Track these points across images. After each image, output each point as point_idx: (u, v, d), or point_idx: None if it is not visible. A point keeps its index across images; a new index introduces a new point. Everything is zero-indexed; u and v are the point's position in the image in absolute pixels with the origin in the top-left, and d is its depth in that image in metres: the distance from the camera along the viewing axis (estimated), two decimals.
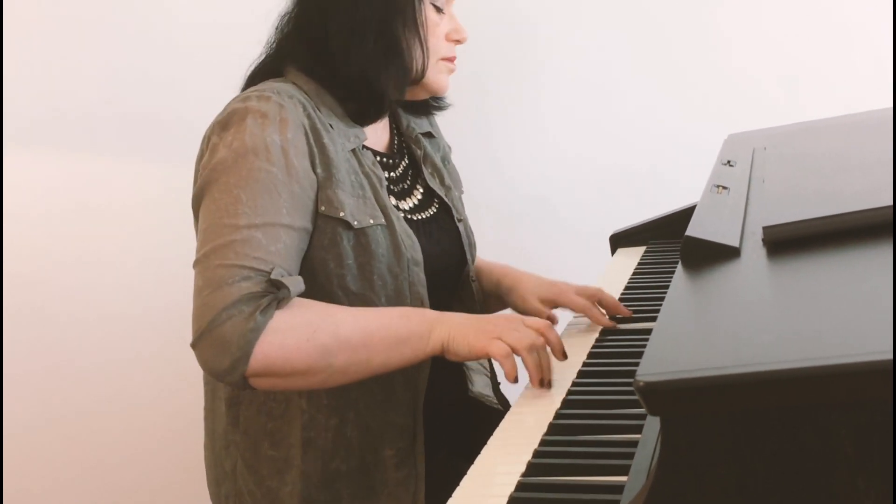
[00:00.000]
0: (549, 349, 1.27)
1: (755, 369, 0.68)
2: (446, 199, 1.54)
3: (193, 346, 1.22)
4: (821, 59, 2.25)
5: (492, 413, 1.57)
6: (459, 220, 1.54)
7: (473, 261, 1.57)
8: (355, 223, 1.32)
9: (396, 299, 1.36)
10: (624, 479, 0.92)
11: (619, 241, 1.87)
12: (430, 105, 1.58)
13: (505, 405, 1.62)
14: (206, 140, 1.35)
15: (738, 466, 0.68)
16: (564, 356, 1.27)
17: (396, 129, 1.56)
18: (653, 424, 0.96)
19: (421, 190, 1.52)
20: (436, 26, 1.43)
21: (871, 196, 1.03)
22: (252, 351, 1.18)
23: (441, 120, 1.54)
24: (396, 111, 1.56)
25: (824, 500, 0.67)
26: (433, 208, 1.52)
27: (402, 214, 1.43)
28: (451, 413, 1.50)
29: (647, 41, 2.32)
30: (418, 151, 1.55)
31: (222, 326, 1.18)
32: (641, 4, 2.31)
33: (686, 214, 1.72)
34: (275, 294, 1.21)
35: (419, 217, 1.48)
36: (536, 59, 2.37)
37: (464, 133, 2.40)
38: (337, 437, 1.35)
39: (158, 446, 2.33)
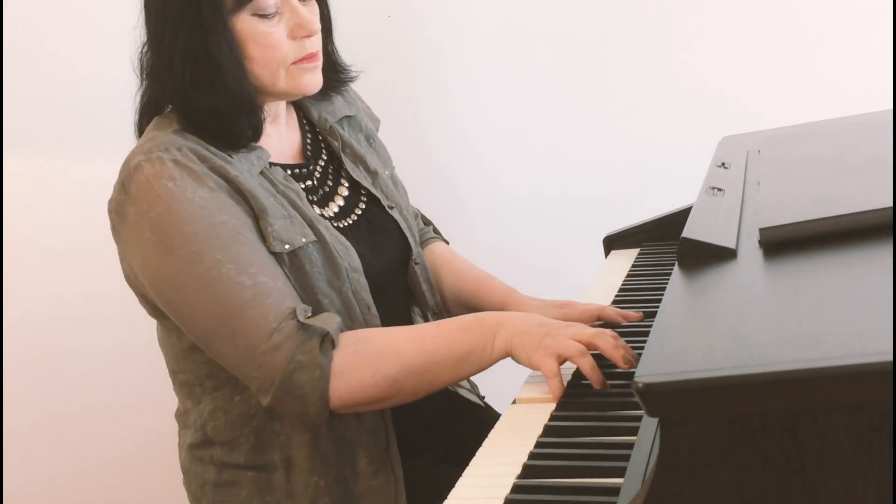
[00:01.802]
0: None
1: (754, 371, 0.68)
2: (373, 190, 1.48)
3: (273, 404, 1.25)
4: (813, 62, 2.25)
5: (466, 404, 1.57)
6: (391, 208, 1.49)
7: (417, 243, 1.53)
8: (286, 248, 1.30)
9: (346, 311, 1.34)
10: (620, 481, 0.92)
11: (613, 243, 1.87)
12: (336, 81, 1.49)
13: (477, 393, 1.61)
14: (117, 212, 1.29)
15: (737, 468, 0.68)
16: (629, 363, 1.19)
17: (308, 124, 1.50)
18: (649, 426, 0.96)
19: (346, 185, 1.47)
20: (267, 36, 1.30)
21: (865, 198, 1.03)
22: (328, 397, 1.24)
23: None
24: (303, 104, 1.48)
25: (823, 502, 0.67)
26: (360, 206, 1.47)
27: (330, 222, 1.39)
28: (426, 410, 1.48)
29: (640, 41, 2.32)
30: (335, 143, 1.48)
31: (292, 381, 1.23)
32: (641, 3, 2.31)
33: (680, 216, 1.72)
34: (320, 333, 1.24)
35: (346, 223, 1.43)
36: (528, 58, 2.37)
37: (454, 132, 2.40)
38: (312, 451, 1.35)
39: (160, 446, 2.32)
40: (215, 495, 1.39)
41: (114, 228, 1.32)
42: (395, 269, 1.50)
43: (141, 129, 1.41)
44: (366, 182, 1.48)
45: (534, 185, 2.39)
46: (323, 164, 1.48)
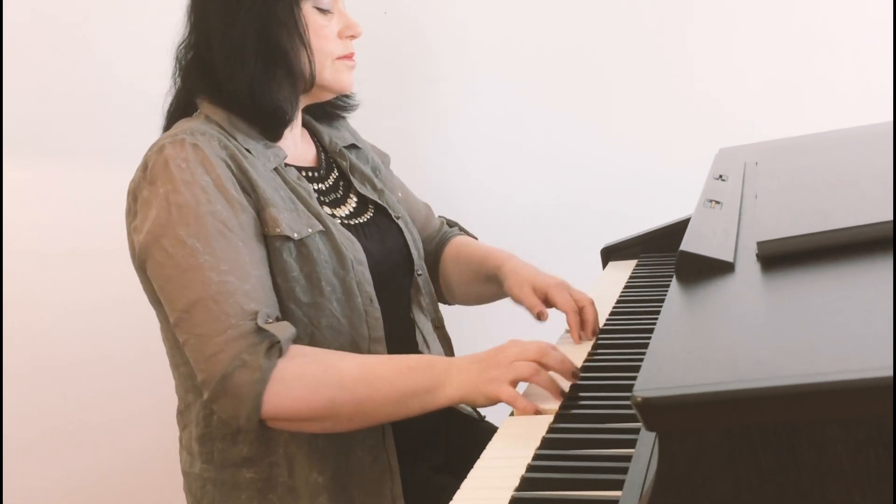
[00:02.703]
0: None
1: (753, 385, 0.68)
2: (380, 202, 1.55)
3: (210, 401, 1.28)
4: (811, 72, 2.26)
5: (464, 419, 1.58)
6: (398, 218, 1.56)
7: (420, 256, 1.58)
8: (295, 235, 1.35)
9: (348, 301, 1.38)
10: (618, 494, 0.92)
11: (611, 254, 1.88)
12: (337, 107, 1.61)
13: (476, 410, 1.62)
14: (133, 194, 1.37)
15: (736, 482, 0.68)
16: (574, 376, 1.23)
17: (321, 145, 1.58)
18: (646, 439, 0.96)
19: (355, 199, 1.54)
20: (323, 28, 1.43)
21: (863, 211, 1.03)
22: (262, 401, 1.24)
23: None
24: (316, 129, 1.59)
25: None
26: (369, 213, 1.53)
27: (339, 221, 1.46)
28: (424, 419, 1.49)
29: (637, 51, 2.33)
30: (344, 163, 1.57)
31: (231, 379, 1.25)
32: (639, 14, 2.32)
33: (677, 228, 1.73)
34: (269, 337, 1.26)
35: (356, 222, 1.50)
36: (525, 67, 2.37)
37: (451, 142, 2.41)
38: (311, 447, 1.36)
39: (162, 459, 2.31)
40: (216, 495, 1.40)
41: (128, 211, 1.39)
42: (399, 274, 1.53)
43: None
44: (373, 196, 1.55)
45: (531, 195, 2.39)
46: (334, 178, 1.55)
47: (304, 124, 1.56)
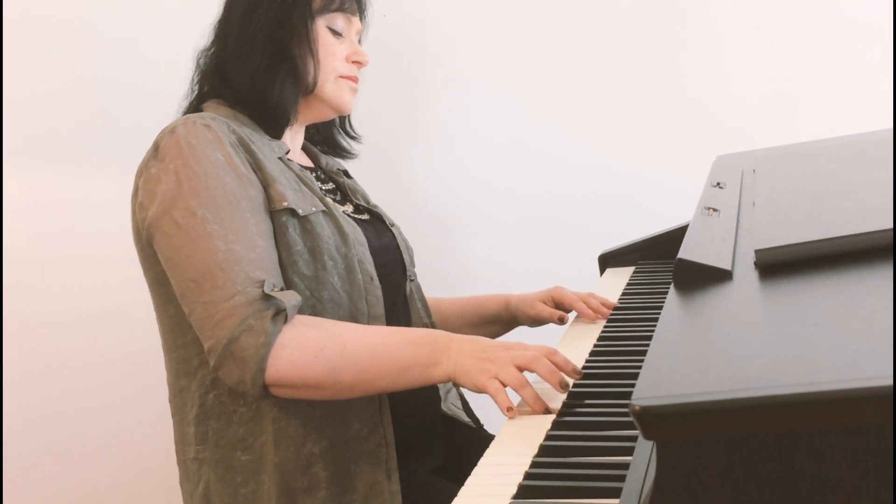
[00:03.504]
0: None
1: (751, 394, 0.68)
2: (376, 210, 1.63)
3: (216, 369, 1.30)
4: (808, 81, 2.27)
5: (461, 427, 1.58)
6: (392, 225, 1.63)
7: (413, 263, 1.63)
8: (300, 210, 1.39)
9: (348, 276, 1.42)
10: (615, 502, 0.92)
11: (608, 261, 1.88)
12: (341, 150, 1.71)
13: (473, 419, 1.63)
14: (141, 172, 1.41)
15: (734, 491, 0.68)
16: (577, 373, 1.25)
17: (317, 165, 1.65)
18: (644, 447, 0.96)
19: (352, 207, 1.60)
20: (332, 46, 1.53)
21: (861, 219, 1.03)
22: (266, 364, 1.27)
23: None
24: (313, 151, 1.66)
25: None
26: (366, 216, 1.60)
27: (341, 211, 1.51)
28: (423, 420, 1.53)
29: (634, 60, 2.33)
30: (340, 180, 1.64)
31: (237, 343, 1.27)
32: (634, 23, 2.32)
33: (675, 235, 1.73)
34: (276, 304, 1.29)
35: (355, 217, 1.55)
36: (523, 78, 2.37)
37: (449, 151, 2.41)
38: (306, 420, 1.37)
39: (160, 467, 2.31)
40: (211, 476, 1.40)
41: (134, 193, 1.43)
42: (395, 270, 1.57)
43: None
44: (368, 205, 1.62)
45: (529, 202, 2.39)
46: (332, 187, 1.62)
47: (303, 147, 1.64)
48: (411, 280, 1.61)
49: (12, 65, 2.26)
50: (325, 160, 1.66)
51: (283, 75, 1.48)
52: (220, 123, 1.41)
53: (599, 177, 2.36)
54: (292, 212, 1.39)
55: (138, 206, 1.40)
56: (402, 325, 1.55)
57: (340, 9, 1.53)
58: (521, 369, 1.23)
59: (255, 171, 1.40)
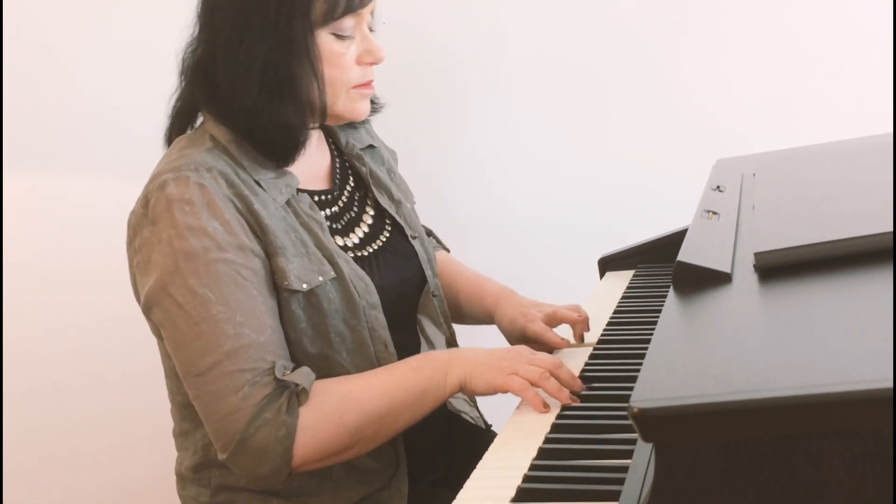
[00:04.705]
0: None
1: (750, 397, 0.68)
2: (398, 218, 1.50)
3: (228, 460, 1.23)
4: (807, 85, 2.27)
5: (470, 429, 1.57)
6: (414, 238, 1.50)
7: (435, 275, 1.54)
8: (304, 286, 1.29)
9: (358, 350, 1.34)
10: None
11: (608, 264, 1.87)
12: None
13: (483, 419, 1.62)
14: (134, 229, 1.29)
15: (732, 494, 0.68)
16: (580, 389, 1.24)
17: (336, 149, 1.51)
18: (643, 450, 0.96)
19: (371, 213, 1.49)
20: (340, 56, 1.32)
21: (860, 223, 1.03)
22: (292, 455, 1.21)
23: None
24: (332, 130, 1.50)
25: None
26: (385, 234, 1.48)
27: (351, 255, 1.39)
28: (434, 431, 1.50)
29: (634, 64, 2.33)
30: (363, 169, 1.50)
31: (254, 438, 1.20)
32: (634, 27, 2.32)
33: (674, 238, 1.73)
34: (291, 389, 1.22)
35: (369, 251, 1.43)
36: (523, 80, 2.37)
37: (449, 153, 2.41)
38: (322, 480, 1.34)
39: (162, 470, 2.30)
40: None
41: (129, 243, 1.32)
42: (410, 299, 1.50)
43: (170, 138, 1.41)
44: (391, 209, 1.50)
45: (529, 206, 2.39)
46: (350, 189, 1.48)
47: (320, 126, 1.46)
48: (434, 295, 1.51)
49: (11, 70, 2.26)
50: (346, 138, 1.50)
51: (288, 110, 1.30)
52: (215, 178, 1.26)
53: (599, 180, 2.36)
54: (294, 290, 1.28)
55: (136, 267, 1.30)
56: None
57: (348, 12, 1.31)
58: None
59: (257, 237, 1.27)
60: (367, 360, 1.35)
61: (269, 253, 1.28)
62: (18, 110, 2.27)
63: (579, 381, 1.25)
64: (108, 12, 2.29)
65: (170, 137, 1.41)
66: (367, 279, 1.36)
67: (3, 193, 2.27)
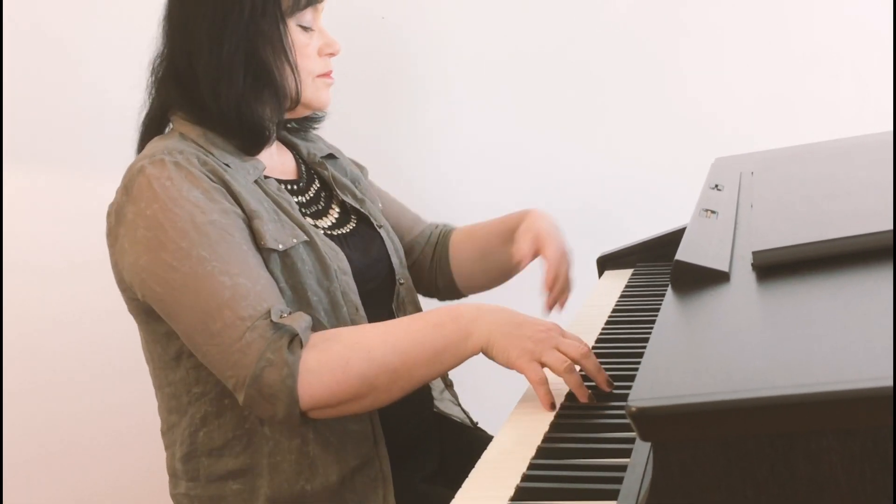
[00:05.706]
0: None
1: (748, 395, 0.68)
2: (362, 210, 1.57)
3: (248, 407, 1.28)
4: (807, 84, 2.27)
5: (456, 426, 1.57)
6: (380, 227, 1.57)
7: (402, 265, 1.58)
8: (280, 246, 1.35)
9: (333, 311, 1.38)
10: (613, 503, 0.92)
11: (607, 263, 1.87)
12: (309, 119, 1.62)
13: (469, 417, 1.62)
14: (116, 215, 1.35)
15: (730, 492, 0.68)
16: (609, 385, 1.22)
17: (299, 157, 1.59)
18: (642, 449, 0.96)
19: (336, 210, 1.55)
20: (305, 46, 1.44)
21: (859, 221, 1.03)
22: (297, 395, 1.24)
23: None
24: (292, 142, 1.60)
25: None
26: (351, 223, 1.55)
27: (322, 231, 1.46)
28: (414, 426, 1.51)
29: (633, 63, 2.33)
30: (325, 173, 1.58)
31: (262, 380, 1.24)
32: (632, 25, 2.32)
33: (673, 237, 1.73)
34: (287, 331, 1.25)
35: (340, 232, 1.50)
36: (519, 79, 2.37)
37: (447, 151, 2.41)
38: (300, 457, 1.35)
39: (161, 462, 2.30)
40: None
41: (109, 232, 1.37)
42: (383, 283, 1.53)
43: (141, 147, 1.47)
44: (355, 205, 1.56)
45: (528, 205, 2.38)
46: (316, 188, 1.55)
47: (279, 138, 1.57)
48: (401, 283, 1.56)
49: (9, 69, 2.26)
50: (306, 148, 1.60)
51: (267, 97, 1.42)
52: (188, 157, 1.35)
53: (597, 179, 2.36)
54: (272, 249, 1.35)
55: (119, 250, 1.35)
56: None
57: (309, 4, 1.44)
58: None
59: (235, 204, 1.35)
60: (342, 320, 1.38)
61: (247, 216, 1.35)
62: (19, 107, 2.27)
63: (605, 373, 1.22)
64: (112, 10, 2.29)
65: (141, 147, 1.47)
66: (338, 249, 1.43)
67: (2, 190, 2.27)
